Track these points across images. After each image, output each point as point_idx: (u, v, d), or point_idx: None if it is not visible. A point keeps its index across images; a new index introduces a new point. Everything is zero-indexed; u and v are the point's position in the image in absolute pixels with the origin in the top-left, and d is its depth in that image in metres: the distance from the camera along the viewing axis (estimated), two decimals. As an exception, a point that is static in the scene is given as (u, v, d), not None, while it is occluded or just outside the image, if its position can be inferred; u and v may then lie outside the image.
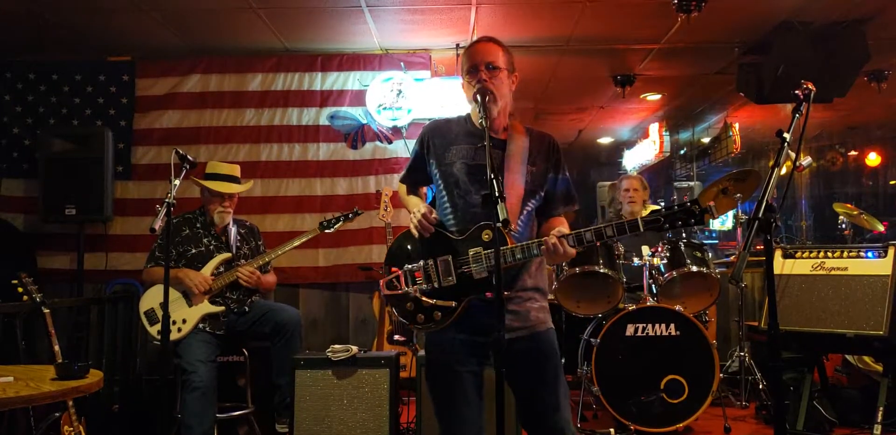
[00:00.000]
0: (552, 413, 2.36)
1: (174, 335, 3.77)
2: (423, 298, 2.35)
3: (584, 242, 2.24)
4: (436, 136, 2.48)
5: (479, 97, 2.30)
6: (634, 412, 4.03)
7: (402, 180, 2.67)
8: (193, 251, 4.00)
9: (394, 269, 2.43)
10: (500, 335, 2.08)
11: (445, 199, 2.43)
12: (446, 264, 2.34)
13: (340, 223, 4.21)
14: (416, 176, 2.62)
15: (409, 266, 2.40)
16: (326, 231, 4.23)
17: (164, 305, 3.21)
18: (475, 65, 2.39)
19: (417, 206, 2.40)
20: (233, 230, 4.16)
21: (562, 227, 2.38)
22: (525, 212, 2.40)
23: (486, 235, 2.29)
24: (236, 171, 4.22)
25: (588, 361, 4.17)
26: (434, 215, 2.36)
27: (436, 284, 2.34)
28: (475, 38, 2.60)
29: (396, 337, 4.22)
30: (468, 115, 2.52)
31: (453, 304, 2.31)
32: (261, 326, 4.03)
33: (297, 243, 4.15)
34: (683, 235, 4.92)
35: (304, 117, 5.45)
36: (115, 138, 5.15)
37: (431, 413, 3.48)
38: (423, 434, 3.56)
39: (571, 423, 2.41)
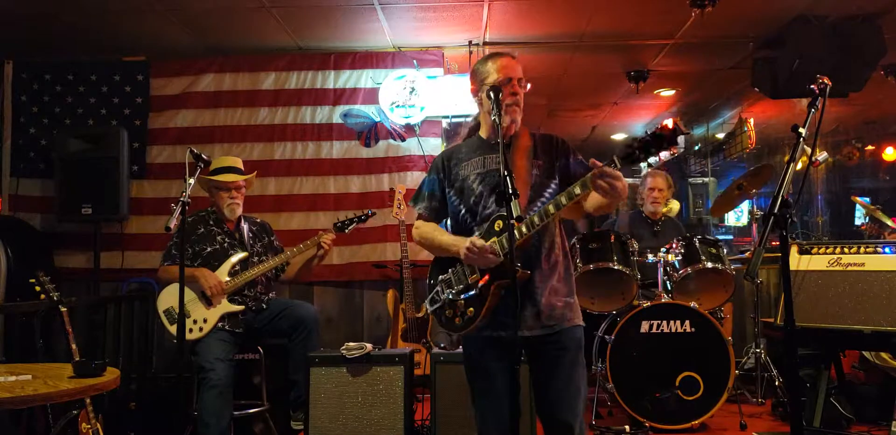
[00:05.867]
0: (561, 408, 2.41)
1: (195, 335, 3.79)
2: (458, 300, 2.48)
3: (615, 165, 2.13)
4: (449, 160, 2.64)
5: (492, 94, 2.41)
6: (649, 409, 4.02)
7: (422, 215, 2.66)
8: (209, 249, 4.02)
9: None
10: (513, 332, 2.15)
11: (463, 210, 2.57)
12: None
13: (354, 225, 4.26)
14: (436, 204, 2.65)
15: (441, 276, 2.57)
16: (341, 232, 4.27)
17: (181, 304, 3.25)
18: (509, 78, 2.51)
19: (463, 242, 2.40)
20: (244, 227, 4.18)
21: None
22: (539, 204, 2.47)
23: (497, 226, 2.41)
24: (238, 163, 4.22)
25: (603, 358, 4.16)
26: (480, 242, 2.36)
27: (463, 285, 2.47)
28: (495, 52, 2.66)
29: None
30: (475, 133, 2.67)
31: (477, 290, 2.41)
32: (279, 322, 4.04)
33: (310, 245, 4.13)
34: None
35: (317, 115, 5.46)
36: (131, 138, 5.19)
37: (446, 410, 3.55)
38: (437, 431, 3.57)
39: (583, 420, 2.45)
